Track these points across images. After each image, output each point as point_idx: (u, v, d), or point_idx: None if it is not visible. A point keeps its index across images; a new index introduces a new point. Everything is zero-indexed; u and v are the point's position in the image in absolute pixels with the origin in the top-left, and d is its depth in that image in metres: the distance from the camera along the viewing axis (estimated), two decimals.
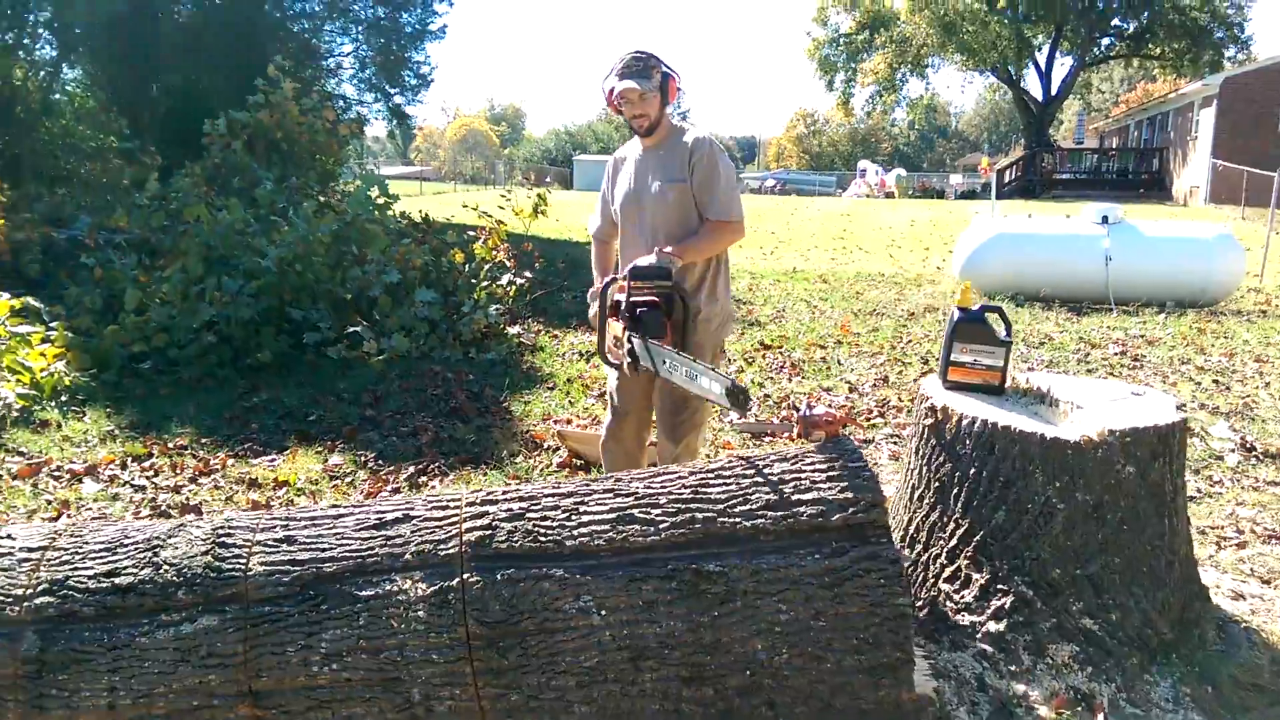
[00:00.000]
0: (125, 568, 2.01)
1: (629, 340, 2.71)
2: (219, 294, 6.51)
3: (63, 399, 5.72)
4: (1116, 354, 7.50)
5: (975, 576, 2.52)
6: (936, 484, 2.64)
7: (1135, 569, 2.44)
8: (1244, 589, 3.02)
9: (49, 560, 2.03)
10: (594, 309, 3.17)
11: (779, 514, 2.14)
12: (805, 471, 2.23)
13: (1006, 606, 2.45)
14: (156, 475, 4.54)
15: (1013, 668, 2.39)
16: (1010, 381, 2.78)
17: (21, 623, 1.92)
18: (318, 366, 6.72)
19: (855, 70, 40.13)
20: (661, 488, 2.22)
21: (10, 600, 1.95)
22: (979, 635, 2.46)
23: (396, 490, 4.27)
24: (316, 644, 1.95)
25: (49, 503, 4.16)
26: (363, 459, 4.71)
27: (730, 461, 2.32)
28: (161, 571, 2.00)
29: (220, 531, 2.10)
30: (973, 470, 2.53)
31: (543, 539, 2.10)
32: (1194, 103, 27.32)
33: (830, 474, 2.22)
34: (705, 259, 3.08)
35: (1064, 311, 9.63)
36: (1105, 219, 10.51)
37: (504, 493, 2.25)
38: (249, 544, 2.07)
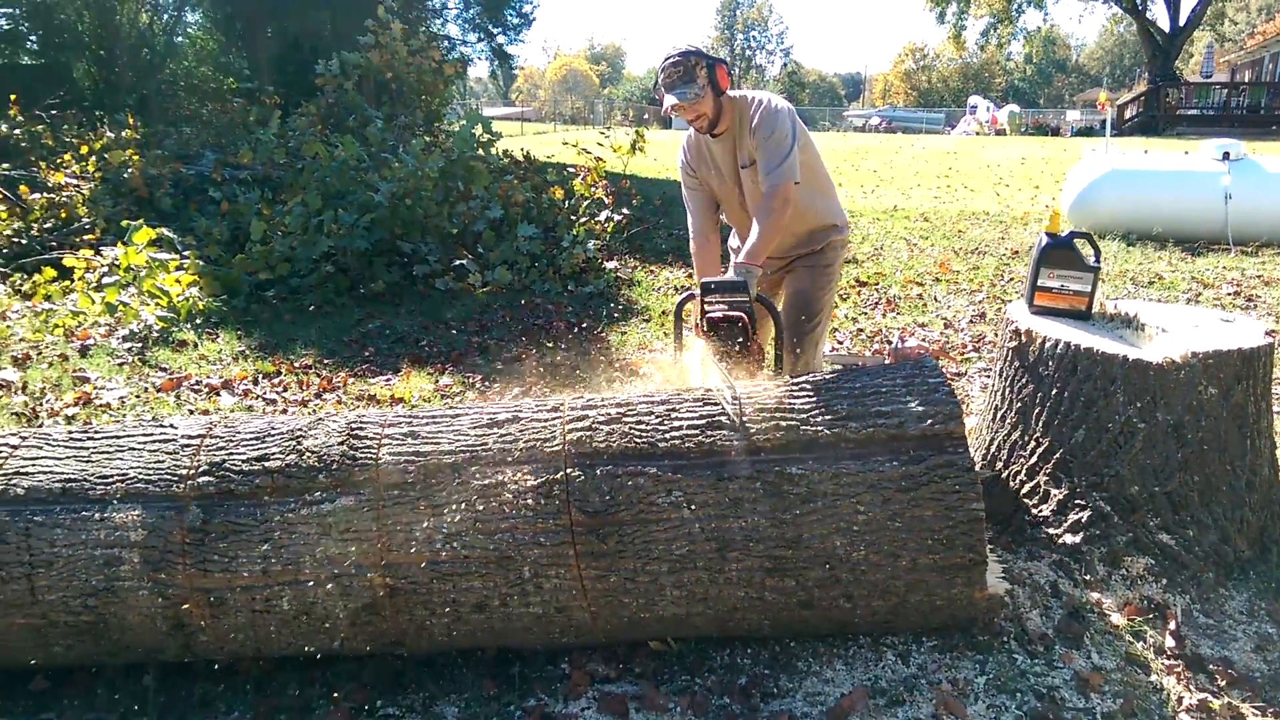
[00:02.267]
0: (273, 454, 2.28)
1: (705, 364, 2.68)
2: (336, 226, 6.87)
3: (197, 322, 6.18)
4: (1230, 294, 7.27)
5: (1054, 492, 2.62)
6: (1018, 404, 2.73)
7: (1214, 488, 2.50)
8: None
9: (208, 446, 2.32)
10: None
11: (859, 424, 2.28)
12: (885, 386, 2.36)
13: (1084, 520, 2.54)
14: (285, 391, 4.92)
15: (1087, 577, 2.49)
16: (1098, 307, 2.82)
17: (186, 498, 2.21)
18: (427, 296, 7.05)
19: (969, 1, 38.52)
20: (749, 398, 2.38)
21: (176, 479, 2.24)
22: (1055, 546, 2.57)
23: None
24: (439, 525, 2.19)
25: (190, 412, 4.56)
26: (470, 380, 4.99)
27: (816, 377, 2.46)
28: (305, 458, 2.26)
29: (354, 425, 2.35)
30: (1054, 390, 2.61)
31: (637, 440, 2.29)
32: None
33: (909, 389, 2.34)
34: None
35: (1178, 251, 9.31)
36: (1226, 155, 10.05)
37: (603, 399, 2.44)
38: (378, 437, 2.32)
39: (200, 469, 2.26)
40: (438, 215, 7.50)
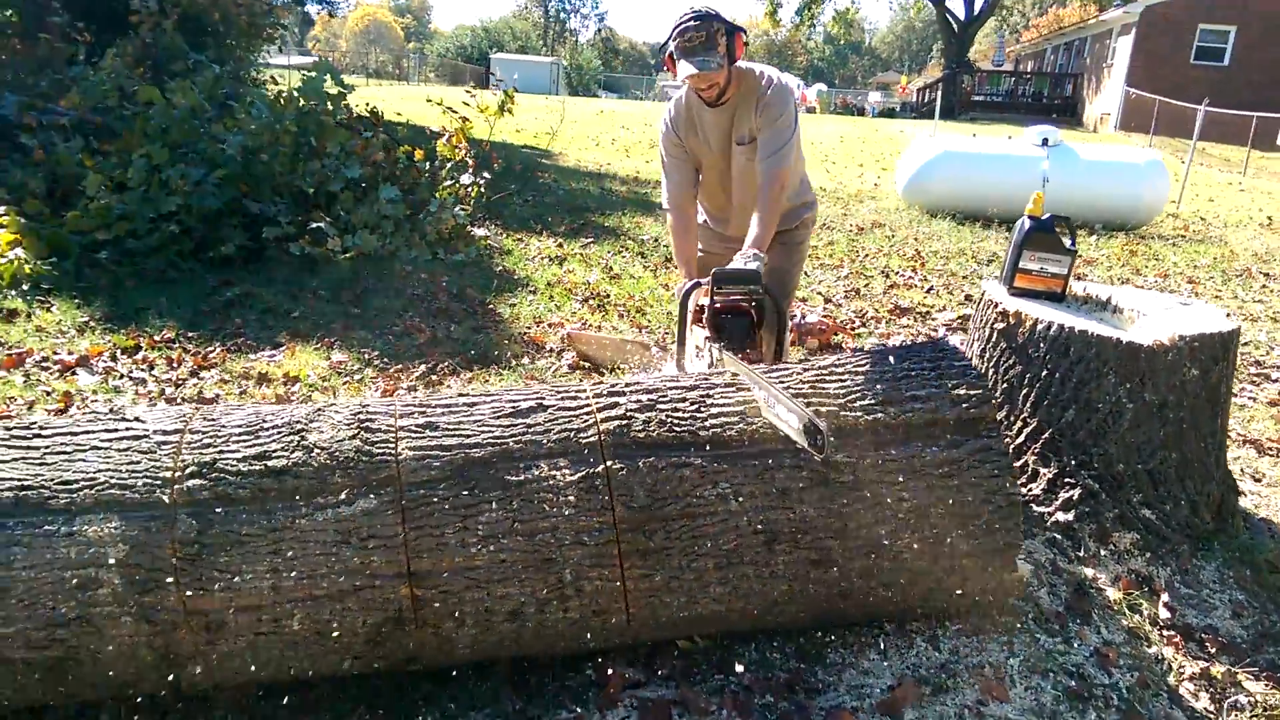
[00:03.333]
0: (275, 451, 1.99)
1: (710, 351, 2.58)
2: (182, 182, 6.20)
3: (24, 288, 5.43)
4: None
5: (1043, 471, 2.70)
6: (1004, 384, 2.79)
7: (1189, 464, 2.65)
8: (1242, 486, 3.30)
9: (190, 443, 2.00)
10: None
11: (896, 409, 2.25)
12: (915, 370, 2.34)
13: (1074, 498, 2.64)
14: (152, 368, 4.40)
15: (1080, 553, 2.59)
16: (1068, 291, 2.92)
17: (174, 506, 1.90)
18: (281, 262, 6.51)
19: None
20: (779, 383, 2.30)
21: (159, 483, 1.92)
22: (1049, 524, 2.65)
23: (413, 388, 4.25)
24: (473, 526, 1.99)
25: (48, 394, 4.01)
26: (366, 356, 4.64)
27: (840, 359, 2.41)
28: (314, 455, 1.99)
29: (362, 417, 2.10)
30: (1044, 372, 2.69)
31: (677, 429, 2.16)
32: (1112, 30, 27.95)
33: (939, 372, 2.33)
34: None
35: (1004, 230, 9.96)
36: (1045, 141, 10.83)
37: (626, 385, 2.29)
38: (393, 429, 2.08)
39: (187, 470, 1.95)
40: (291, 173, 6.93)
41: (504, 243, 7.67)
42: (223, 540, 1.89)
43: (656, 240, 8.14)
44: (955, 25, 34.46)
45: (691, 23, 2.75)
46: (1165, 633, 2.39)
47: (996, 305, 2.83)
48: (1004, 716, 2.08)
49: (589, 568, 2.04)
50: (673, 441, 2.14)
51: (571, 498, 2.04)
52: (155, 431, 2.03)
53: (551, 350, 4.88)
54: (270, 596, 1.90)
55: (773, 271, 3.15)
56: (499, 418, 2.15)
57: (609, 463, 2.08)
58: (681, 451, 2.13)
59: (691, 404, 2.22)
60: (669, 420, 2.17)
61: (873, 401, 2.25)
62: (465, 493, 2.01)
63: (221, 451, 1.99)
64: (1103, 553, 2.59)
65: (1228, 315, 2.79)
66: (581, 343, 4.67)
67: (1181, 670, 2.27)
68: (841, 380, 2.31)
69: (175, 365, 4.44)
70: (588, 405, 2.20)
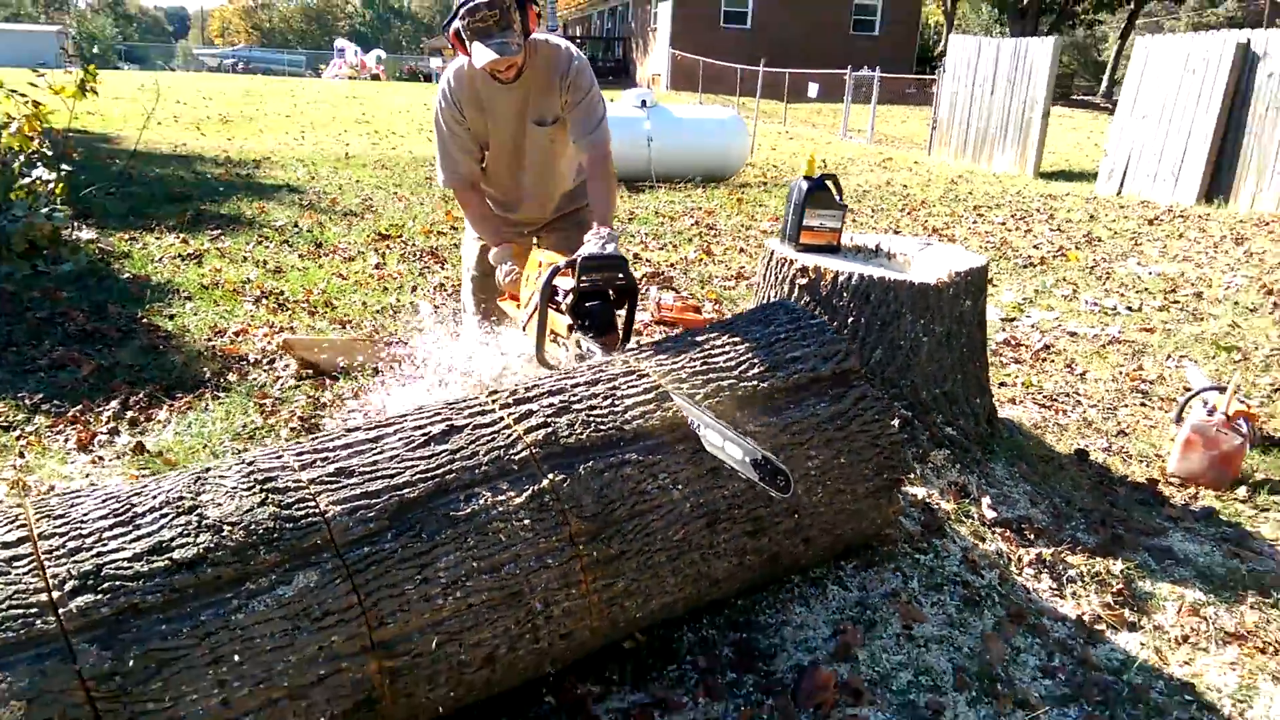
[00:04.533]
0: (172, 540, 1.57)
1: (578, 343, 2.48)
2: None
3: None
4: (692, 224, 8.49)
5: None
6: None
7: (972, 383, 3.04)
8: None
9: (49, 552, 1.51)
10: (504, 271, 2.83)
11: (785, 373, 2.32)
12: (783, 334, 2.43)
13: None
14: None
15: (911, 475, 2.87)
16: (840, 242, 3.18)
17: (63, 634, 1.43)
18: None
19: None
20: (673, 363, 2.26)
21: (36, 610, 1.43)
22: None
23: (115, 430, 3.54)
24: (433, 575, 1.73)
25: None
26: (25, 401, 3.78)
27: (709, 334, 2.42)
28: (225, 534, 1.60)
29: (258, 477, 1.72)
30: (850, 319, 2.91)
31: (602, 428, 2.05)
32: None
33: (803, 332, 2.44)
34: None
35: (623, 190, 10.50)
36: (644, 103, 11.55)
37: (526, 389, 2.12)
38: (302, 484, 1.74)
39: (67, 586, 1.47)
40: None
41: (116, 245, 6.62)
42: (146, 662, 1.46)
43: (298, 226, 7.50)
44: None
45: (479, 2, 2.51)
46: (996, 530, 2.74)
47: (793, 262, 3.00)
48: (929, 634, 2.27)
49: (556, 590, 1.88)
50: (601, 441, 2.03)
51: (525, 520, 1.86)
52: None
53: (257, 361, 4.32)
54: (223, 714, 1.51)
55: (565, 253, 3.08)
56: (414, 449, 1.89)
57: (550, 475, 1.92)
58: (614, 450, 2.03)
59: (604, 398, 2.11)
60: (591, 420, 2.05)
61: (763, 369, 2.30)
62: (413, 539, 1.75)
63: (100, 554, 1.53)
64: (926, 471, 2.90)
65: (967, 250, 3.21)
66: (302, 348, 4.19)
67: (1020, 559, 2.63)
68: (727, 354, 2.33)
69: None
70: (500, 418, 2.01)
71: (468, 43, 2.58)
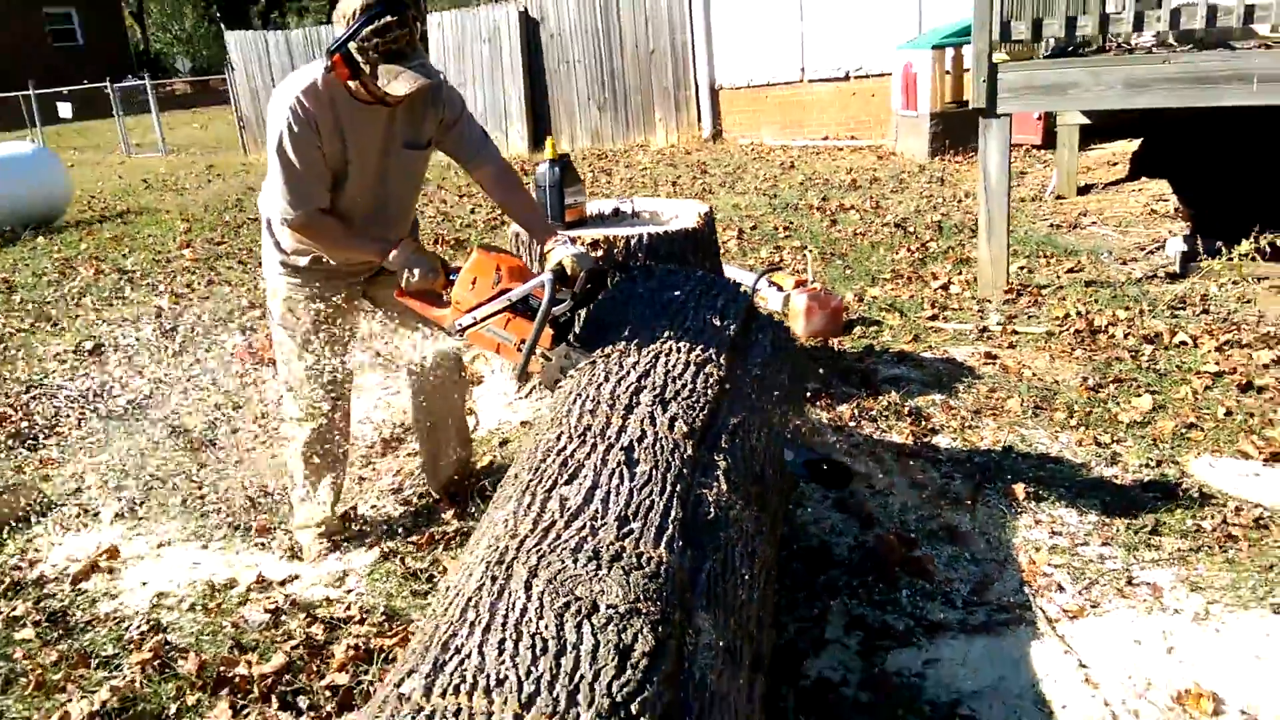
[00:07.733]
0: None
1: (566, 356, 2.32)
2: None
3: None
4: None
5: None
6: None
7: None
8: None
9: None
10: (421, 271, 2.43)
11: (735, 324, 2.49)
12: (713, 292, 2.65)
13: None
14: None
15: None
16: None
17: None
18: None
19: None
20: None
21: None
22: None
23: None
24: None
25: None
26: None
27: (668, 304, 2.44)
28: None
29: None
30: None
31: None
32: None
33: (715, 290, 2.65)
34: None
35: None
36: None
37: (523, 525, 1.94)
38: None
39: None
40: None
41: None
42: None
43: None
44: None
45: (390, 19, 2.12)
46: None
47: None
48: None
49: None
50: None
51: None
52: None
53: None
54: None
55: None
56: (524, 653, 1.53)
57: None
58: None
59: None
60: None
61: (721, 324, 2.43)
62: None
63: None
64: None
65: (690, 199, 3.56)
66: None
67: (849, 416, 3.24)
68: (688, 315, 2.41)
69: None
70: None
71: (369, 67, 2.16)
